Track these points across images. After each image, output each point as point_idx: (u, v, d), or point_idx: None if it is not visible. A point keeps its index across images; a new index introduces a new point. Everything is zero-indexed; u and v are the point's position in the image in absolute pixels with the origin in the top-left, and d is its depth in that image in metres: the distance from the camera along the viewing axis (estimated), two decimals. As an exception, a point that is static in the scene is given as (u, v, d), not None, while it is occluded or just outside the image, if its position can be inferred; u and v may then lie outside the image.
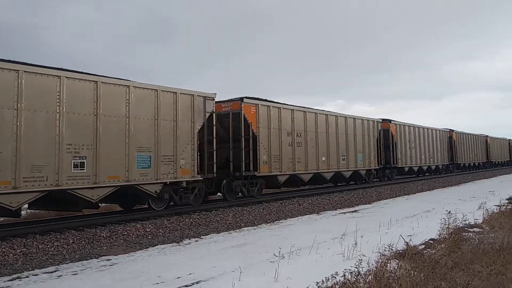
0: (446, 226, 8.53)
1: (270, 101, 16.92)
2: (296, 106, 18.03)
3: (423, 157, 30.70)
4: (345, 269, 5.56)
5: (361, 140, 22.31)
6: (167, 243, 9.33)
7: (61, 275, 6.79)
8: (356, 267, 5.58)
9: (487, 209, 11.42)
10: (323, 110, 19.91)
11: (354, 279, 5.25)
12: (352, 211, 14.08)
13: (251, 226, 11.58)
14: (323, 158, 19.05)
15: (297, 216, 13.24)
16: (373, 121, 23.90)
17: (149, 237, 10.00)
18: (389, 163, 25.91)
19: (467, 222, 9.64)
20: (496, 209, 11.92)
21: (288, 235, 9.82)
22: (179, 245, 9.19)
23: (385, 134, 25.59)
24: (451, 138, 37.12)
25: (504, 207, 12.61)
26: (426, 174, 32.56)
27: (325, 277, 5.25)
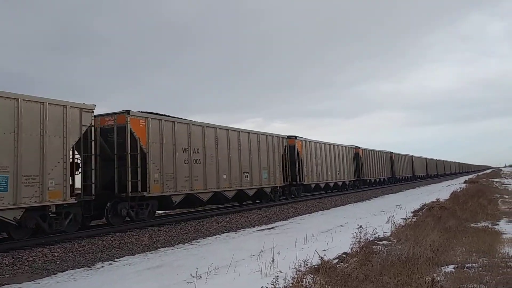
0: (358, 240, 8.89)
1: (306, 138, 26.89)
2: (317, 140, 28.81)
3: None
4: (262, 286, 5.60)
5: (344, 160, 33.97)
6: (78, 268, 8.84)
7: (-46, 309, 6.17)
8: (273, 284, 5.63)
9: (394, 222, 12.06)
10: (329, 142, 30.82)
11: (271, 296, 5.29)
12: (270, 228, 14.25)
13: (167, 246, 11.32)
14: (329, 173, 29.88)
15: (215, 235, 13.15)
16: (350, 147, 34.71)
17: (58, 262, 9.41)
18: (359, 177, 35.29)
19: (376, 235, 10.12)
20: (403, 222, 12.63)
21: (206, 254, 9.71)
22: (91, 269, 8.75)
23: (357, 156, 35.07)
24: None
25: (410, 220, 13.40)
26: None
27: (242, 296, 5.23)
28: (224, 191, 18.24)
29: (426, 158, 70.09)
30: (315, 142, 28.51)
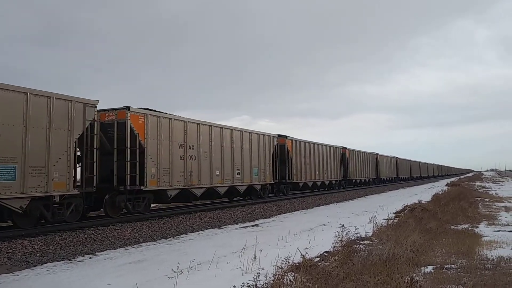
0: (340, 239, 8.95)
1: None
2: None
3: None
4: (243, 283, 5.61)
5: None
6: (58, 261, 8.75)
7: None
8: (254, 281, 5.64)
9: (376, 223, 12.17)
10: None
11: (252, 292, 5.30)
12: (253, 225, 14.28)
13: (150, 241, 11.27)
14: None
15: (198, 231, 13.13)
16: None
17: (38, 254, 9.31)
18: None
19: (358, 235, 10.19)
20: (385, 223, 12.74)
21: (188, 250, 9.69)
22: (71, 262, 8.67)
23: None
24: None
25: (392, 220, 13.53)
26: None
27: (223, 292, 5.24)
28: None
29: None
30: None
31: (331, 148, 35.27)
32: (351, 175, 40.10)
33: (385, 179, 53.52)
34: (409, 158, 72.83)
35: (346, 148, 39.03)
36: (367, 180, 45.85)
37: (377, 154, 50.48)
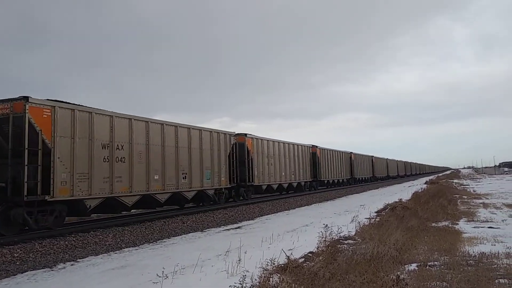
0: (323, 239, 8.98)
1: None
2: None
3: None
4: (229, 286, 5.57)
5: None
6: (39, 269, 8.57)
7: None
8: (240, 283, 5.61)
9: (359, 222, 12.24)
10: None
11: (238, 295, 5.26)
12: (236, 228, 14.23)
13: (132, 246, 11.13)
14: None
15: (181, 235, 13.02)
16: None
17: (18, 262, 9.10)
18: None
19: (342, 234, 10.24)
20: (367, 222, 12.85)
21: (171, 254, 9.59)
22: (53, 270, 8.50)
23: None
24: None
25: (374, 219, 13.65)
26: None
27: (210, 296, 5.19)
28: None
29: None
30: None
31: (343, 153, 44.25)
32: (355, 174, 48.59)
33: (378, 177, 60.44)
34: (396, 159, 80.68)
35: (352, 152, 47.85)
36: (365, 178, 53.74)
37: (373, 156, 58.36)
